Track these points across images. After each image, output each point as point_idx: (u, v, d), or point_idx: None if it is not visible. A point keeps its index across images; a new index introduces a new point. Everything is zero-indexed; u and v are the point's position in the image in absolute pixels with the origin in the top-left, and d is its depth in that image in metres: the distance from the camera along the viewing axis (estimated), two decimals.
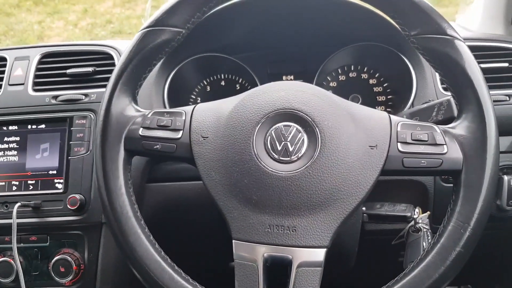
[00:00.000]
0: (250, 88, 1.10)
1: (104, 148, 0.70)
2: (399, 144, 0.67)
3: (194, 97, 1.13)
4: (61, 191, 0.94)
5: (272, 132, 0.67)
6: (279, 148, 0.66)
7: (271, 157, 0.66)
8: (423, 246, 0.84)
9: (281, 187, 0.64)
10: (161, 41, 0.74)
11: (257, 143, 0.67)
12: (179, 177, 1.01)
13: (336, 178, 0.64)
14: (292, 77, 1.12)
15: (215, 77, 1.13)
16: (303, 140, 0.66)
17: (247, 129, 0.67)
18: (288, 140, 0.66)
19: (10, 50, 1.06)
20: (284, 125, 0.67)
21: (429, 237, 0.85)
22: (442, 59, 0.68)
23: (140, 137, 0.71)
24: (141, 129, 0.72)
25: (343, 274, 0.73)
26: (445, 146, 0.66)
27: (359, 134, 0.67)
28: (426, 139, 0.66)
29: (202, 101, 1.12)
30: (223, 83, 1.13)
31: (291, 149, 0.66)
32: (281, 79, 1.12)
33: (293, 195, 0.64)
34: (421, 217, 0.86)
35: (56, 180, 0.95)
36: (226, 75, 1.13)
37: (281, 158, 0.66)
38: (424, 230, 0.85)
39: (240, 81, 1.12)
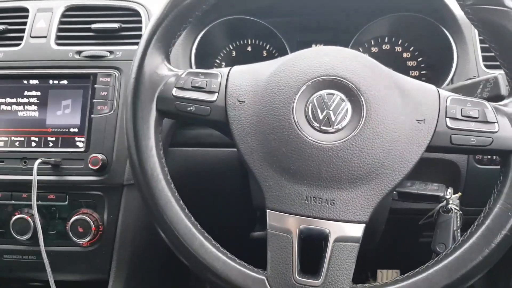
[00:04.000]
0: (277, 55, 1.06)
1: (136, 106, 0.67)
2: (448, 119, 0.63)
3: (218, 61, 1.10)
4: (82, 149, 0.91)
5: (314, 99, 0.64)
6: (321, 117, 0.63)
7: (311, 126, 0.63)
8: (453, 227, 0.82)
9: (321, 157, 0.61)
10: None
11: (297, 110, 0.63)
12: (201, 143, 0.98)
13: (380, 152, 0.61)
14: (322, 45, 1.07)
15: (241, 42, 1.09)
16: (346, 109, 0.63)
17: (287, 95, 0.64)
18: (331, 109, 0.63)
19: (32, 1, 1.01)
20: (327, 93, 0.64)
21: (459, 219, 0.83)
22: (498, 31, 0.64)
23: (173, 97, 0.68)
24: (175, 89, 0.68)
25: (365, 249, 0.71)
26: (496, 124, 0.63)
27: (406, 106, 0.63)
28: (477, 116, 0.63)
29: (226, 66, 1.08)
30: (249, 48, 1.09)
31: (333, 118, 0.63)
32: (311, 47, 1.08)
33: (334, 167, 0.61)
34: (452, 198, 0.84)
35: (77, 139, 0.92)
36: (253, 41, 1.09)
37: (322, 127, 0.63)
38: (455, 211, 0.83)
39: (267, 47, 1.08)
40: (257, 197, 0.85)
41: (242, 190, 0.95)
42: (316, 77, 0.64)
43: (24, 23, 1.00)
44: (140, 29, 0.97)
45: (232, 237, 0.94)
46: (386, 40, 1.04)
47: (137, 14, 0.99)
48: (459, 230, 0.81)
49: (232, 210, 1.08)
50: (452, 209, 0.83)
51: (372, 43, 1.05)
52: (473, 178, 0.91)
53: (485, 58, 0.93)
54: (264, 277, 0.62)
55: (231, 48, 1.09)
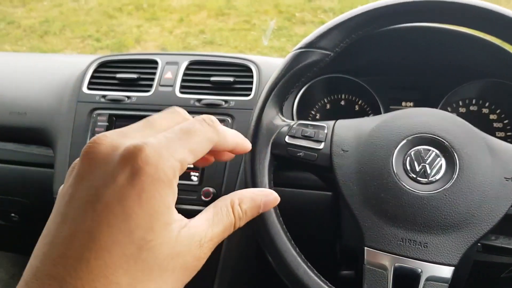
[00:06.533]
0: (369, 110, 1.17)
1: (254, 149, 0.80)
2: None
3: (313, 112, 1.21)
4: (196, 183, 1.05)
5: (412, 153, 0.73)
6: (417, 169, 0.72)
7: (408, 176, 0.72)
8: None
9: (416, 204, 0.70)
10: (311, 61, 0.83)
11: (396, 161, 0.73)
12: (297, 185, 1.09)
13: (470, 204, 0.69)
14: (411, 104, 1.17)
15: (336, 96, 1.20)
16: (441, 164, 0.72)
17: (387, 148, 0.74)
18: (427, 162, 0.72)
19: (161, 55, 1.20)
20: (424, 149, 0.73)
21: None
22: None
23: (285, 143, 0.80)
24: (287, 137, 0.80)
25: None
26: None
27: (495, 165, 0.71)
28: None
29: (321, 118, 1.20)
30: (342, 102, 1.20)
31: (429, 171, 0.72)
32: (401, 105, 1.17)
33: (428, 214, 0.69)
34: None
35: (192, 173, 1.06)
36: (347, 96, 1.20)
37: (418, 178, 0.71)
38: None
39: (359, 102, 1.19)
40: (349, 237, 0.94)
41: (328, 231, 1.03)
42: (414, 134, 0.74)
43: (154, 73, 1.17)
44: (251, 83, 1.12)
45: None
46: (473, 102, 1.12)
47: (249, 70, 1.14)
48: None
49: (317, 249, 1.17)
50: None
51: (460, 104, 1.12)
52: None
53: None
54: None
55: (326, 101, 1.21)
